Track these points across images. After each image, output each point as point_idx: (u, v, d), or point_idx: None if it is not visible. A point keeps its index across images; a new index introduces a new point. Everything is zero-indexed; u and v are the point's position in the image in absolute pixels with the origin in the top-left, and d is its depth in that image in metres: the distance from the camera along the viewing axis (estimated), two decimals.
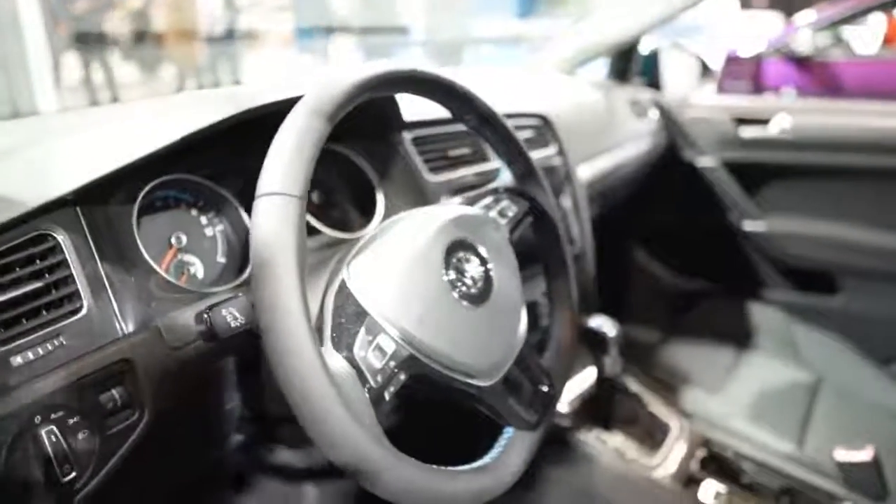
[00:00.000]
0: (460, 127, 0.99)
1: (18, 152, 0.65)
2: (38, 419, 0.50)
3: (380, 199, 0.89)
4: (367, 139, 0.91)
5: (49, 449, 0.50)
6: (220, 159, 0.74)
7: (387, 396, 0.53)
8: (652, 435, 1.16)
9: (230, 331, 0.57)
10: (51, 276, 0.56)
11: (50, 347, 0.54)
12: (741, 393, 1.38)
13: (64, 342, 0.55)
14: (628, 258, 1.83)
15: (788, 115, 1.57)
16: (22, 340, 0.53)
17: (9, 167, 0.63)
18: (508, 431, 0.64)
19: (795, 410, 1.33)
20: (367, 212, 0.90)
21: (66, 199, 0.59)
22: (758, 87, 4.25)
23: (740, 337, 1.59)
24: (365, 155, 0.91)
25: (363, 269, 0.59)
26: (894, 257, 1.52)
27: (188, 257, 0.72)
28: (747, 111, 1.65)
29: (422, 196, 0.92)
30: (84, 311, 0.57)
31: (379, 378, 0.52)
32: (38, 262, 0.56)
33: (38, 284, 0.55)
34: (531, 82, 1.50)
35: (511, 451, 0.63)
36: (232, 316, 0.57)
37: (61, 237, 0.58)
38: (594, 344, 1.06)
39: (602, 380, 1.10)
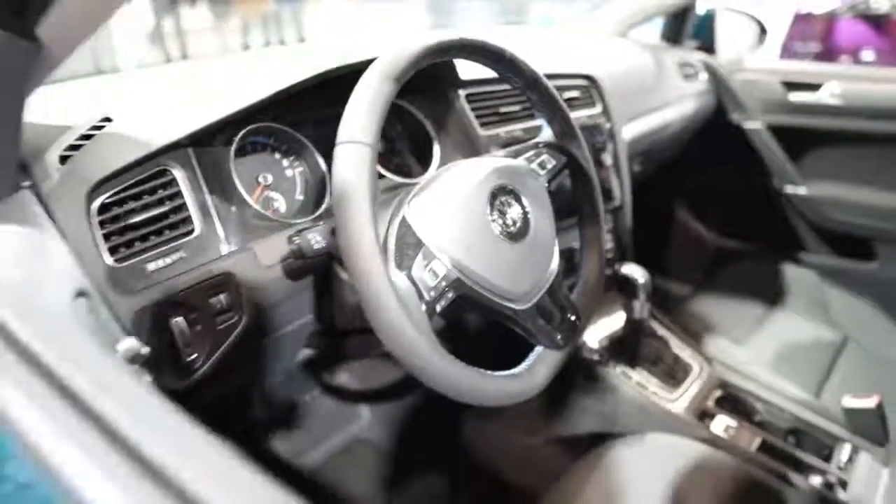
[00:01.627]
0: (510, 86, 1.10)
1: (138, 103, 0.79)
2: (169, 312, 0.65)
3: (436, 149, 1.01)
4: (427, 96, 1.02)
5: (177, 335, 0.65)
6: (301, 110, 0.87)
7: (438, 309, 0.65)
8: (673, 374, 1.26)
9: (314, 252, 0.70)
10: (170, 204, 0.70)
11: (173, 259, 0.68)
12: (765, 344, 1.47)
13: (183, 255, 0.69)
14: (669, 214, 1.90)
15: (840, 82, 1.61)
16: (152, 252, 0.67)
17: (134, 115, 0.76)
18: (538, 349, 0.76)
19: (817, 365, 1.41)
20: (425, 160, 1.01)
21: (181, 142, 0.72)
22: (829, 48, 4.12)
23: (771, 295, 1.67)
24: (425, 110, 1.02)
25: (420, 208, 0.71)
26: None
27: (273, 194, 0.85)
28: (799, 75, 1.68)
29: (474, 148, 1.03)
30: (196, 233, 0.71)
31: (432, 293, 0.65)
32: (159, 191, 0.70)
33: (161, 209, 0.69)
34: (582, 44, 1.57)
35: (539, 365, 0.75)
36: (315, 240, 0.70)
37: (177, 172, 0.71)
38: (625, 289, 1.17)
39: (630, 321, 1.20)
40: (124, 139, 0.70)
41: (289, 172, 0.88)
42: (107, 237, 0.65)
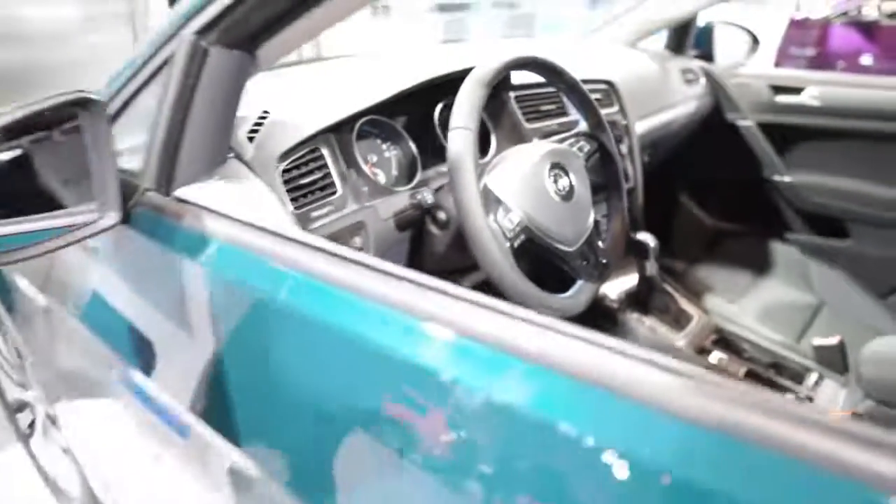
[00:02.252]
0: (547, 89, 1.39)
1: (287, 98, 1.07)
2: None
3: (493, 138, 1.29)
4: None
5: None
6: (398, 107, 1.16)
7: (515, 245, 0.94)
8: (678, 321, 1.55)
9: (428, 204, 0.99)
10: (320, 173, 0.99)
11: (326, 210, 0.97)
12: (755, 304, 1.75)
13: (331, 208, 0.98)
14: (673, 200, 2.19)
15: (818, 86, 1.89)
16: (314, 205, 0.96)
17: (286, 109, 1.05)
18: (579, 282, 1.05)
19: (797, 321, 1.70)
20: (483, 147, 1.30)
21: (325, 130, 1.01)
22: (823, 53, 4.39)
23: (760, 266, 1.95)
24: (485, 109, 1.31)
25: (497, 177, 0.99)
26: None
27: (376, 170, 1.14)
28: (784, 80, 1.97)
29: (521, 138, 1.32)
30: (338, 193, 1.00)
31: (510, 234, 0.93)
32: (312, 164, 0.99)
33: (316, 176, 0.98)
34: (602, 53, 1.86)
35: (580, 293, 1.03)
36: (426, 197, 1.00)
37: (324, 151, 1.00)
38: (638, 252, 1.45)
39: (643, 279, 1.49)
40: (287, 126, 0.99)
41: (386, 154, 1.16)
42: (287, 193, 0.94)
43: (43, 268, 1.02)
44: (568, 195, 1.03)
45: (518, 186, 0.98)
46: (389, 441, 0.51)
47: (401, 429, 0.50)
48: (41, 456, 1.69)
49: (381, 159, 1.14)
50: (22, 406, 1.69)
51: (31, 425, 1.67)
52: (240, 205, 0.78)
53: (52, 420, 1.44)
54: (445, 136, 1.21)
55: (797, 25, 4.20)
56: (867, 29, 4.27)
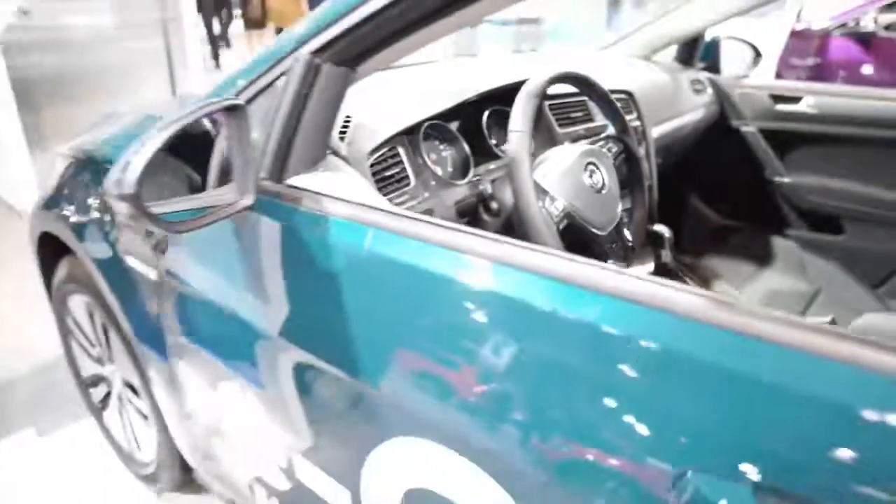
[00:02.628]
0: (575, 98, 1.58)
1: (363, 104, 1.27)
2: None
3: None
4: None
5: None
6: (454, 111, 1.35)
7: (560, 228, 1.13)
8: None
9: (487, 194, 1.19)
10: (397, 168, 1.19)
11: (403, 199, 1.16)
12: (756, 290, 1.95)
13: (407, 197, 1.17)
14: (682, 199, 2.38)
15: (814, 96, 2.09)
16: (393, 194, 1.15)
17: (365, 114, 1.23)
18: (610, 262, 1.24)
19: (795, 307, 1.89)
20: None
21: (402, 131, 1.20)
22: (823, 63, 4.59)
23: (764, 259, 2.14)
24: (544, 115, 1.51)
25: (543, 173, 1.19)
26: (887, 206, 2.03)
27: (434, 166, 1.33)
28: (783, 90, 2.16)
29: (554, 141, 1.51)
30: (412, 184, 1.19)
31: (556, 219, 1.13)
32: (390, 160, 1.18)
33: (395, 171, 1.18)
34: (621, 66, 2.06)
35: None
36: (487, 188, 1.19)
37: (400, 150, 1.20)
38: (655, 242, 1.64)
39: (658, 265, 1.68)
40: (372, 129, 1.18)
41: (443, 153, 1.36)
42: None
43: (156, 241, 1.20)
44: (601, 188, 1.23)
45: (560, 180, 1.18)
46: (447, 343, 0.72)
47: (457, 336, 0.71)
48: (114, 427, 1.87)
49: (439, 157, 1.34)
50: (96, 381, 1.87)
51: (105, 399, 1.86)
52: (344, 190, 0.98)
53: (135, 390, 1.62)
54: (492, 138, 1.42)
55: (798, 36, 4.39)
56: (865, 40, 4.46)
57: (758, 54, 2.48)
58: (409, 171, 1.20)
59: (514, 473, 0.71)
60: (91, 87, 3.77)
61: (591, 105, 1.67)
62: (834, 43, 4.42)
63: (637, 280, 0.64)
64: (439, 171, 1.32)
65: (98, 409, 1.91)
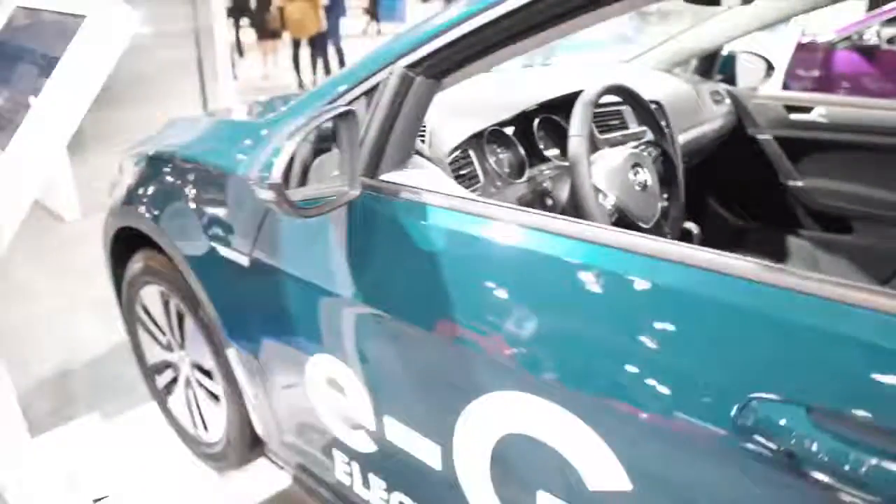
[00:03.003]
0: (613, 108, 1.74)
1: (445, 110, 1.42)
2: None
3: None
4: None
5: None
6: (512, 119, 1.51)
7: (612, 221, 1.29)
8: None
9: (548, 189, 1.35)
10: (468, 168, 1.34)
11: (476, 193, 1.31)
12: None
13: (480, 193, 1.32)
14: (704, 201, 2.54)
15: (825, 106, 2.25)
16: (468, 190, 1.31)
17: (438, 120, 1.39)
18: None
19: None
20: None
21: (469, 137, 1.36)
22: (827, 75, 4.76)
23: (778, 258, 2.29)
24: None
25: (595, 172, 1.34)
26: (892, 207, 2.18)
27: (496, 167, 1.48)
28: (796, 101, 2.32)
29: (595, 146, 1.67)
30: (481, 182, 1.35)
31: (609, 213, 1.28)
32: (462, 161, 1.34)
33: (467, 170, 1.33)
34: (650, 78, 2.22)
35: None
36: (547, 185, 1.35)
37: (471, 152, 1.36)
38: (684, 237, 1.80)
39: None
40: (448, 133, 1.34)
41: (501, 156, 1.51)
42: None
43: (247, 231, 1.35)
44: (644, 187, 1.38)
45: (611, 178, 1.33)
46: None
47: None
48: (178, 411, 2.01)
49: (498, 159, 1.49)
50: (162, 367, 2.01)
51: (171, 384, 2.00)
52: (433, 184, 1.13)
53: (208, 374, 1.76)
54: (540, 143, 1.58)
55: (803, 49, 4.56)
56: (868, 53, 4.63)
57: (770, 67, 2.64)
58: (479, 171, 1.36)
59: (608, 417, 0.86)
60: (125, 95, 3.93)
61: (625, 114, 1.83)
62: (838, 55, 4.59)
63: (714, 254, 0.80)
64: (501, 171, 1.47)
65: (162, 395, 2.06)
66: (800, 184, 2.33)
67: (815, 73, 4.61)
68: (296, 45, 7.65)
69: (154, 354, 2.02)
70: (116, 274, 2.02)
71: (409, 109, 1.14)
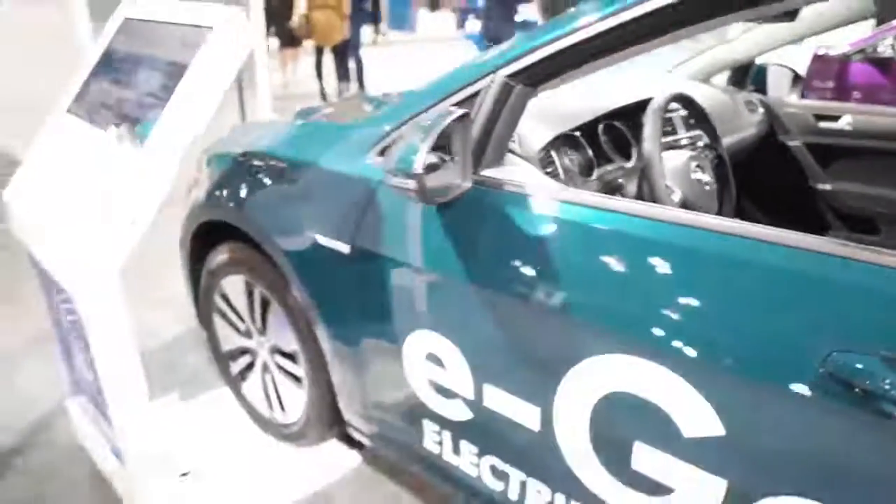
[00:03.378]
0: (666, 115, 1.90)
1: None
2: None
3: (634, 149, 1.80)
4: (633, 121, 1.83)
5: None
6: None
7: (678, 201, 1.44)
8: None
9: (621, 185, 1.50)
10: (551, 167, 1.50)
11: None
12: None
13: (562, 182, 1.48)
14: (738, 203, 2.69)
15: (851, 115, 2.41)
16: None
17: (525, 126, 1.54)
18: None
19: None
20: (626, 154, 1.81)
21: (555, 137, 1.52)
22: (842, 87, 4.89)
23: None
24: (633, 129, 1.83)
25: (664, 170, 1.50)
26: None
27: (571, 166, 1.64)
28: (824, 110, 2.48)
29: None
30: (562, 178, 1.50)
31: (676, 205, 1.44)
32: (547, 159, 1.50)
33: (550, 168, 1.49)
34: (690, 87, 2.37)
35: None
36: (621, 181, 1.51)
37: (552, 152, 1.51)
38: None
39: None
40: (536, 135, 1.50)
41: (571, 157, 1.67)
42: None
43: (347, 221, 1.50)
44: (703, 184, 1.54)
45: (676, 177, 1.49)
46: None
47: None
48: (252, 394, 2.16)
49: (570, 160, 1.65)
50: (238, 353, 2.16)
51: (247, 369, 2.15)
52: (530, 178, 1.29)
53: (291, 357, 1.90)
54: (605, 145, 1.74)
55: (819, 61, 4.71)
56: (882, 65, 4.78)
57: (798, 78, 2.81)
58: (559, 169, 1.51)
59: (705, 373, 1.01)
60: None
61: (675, 120, 1.99)
62: (853, 67, 4.74)
63: (794, 234, 0.96)
64: (575, 170, 1.63)
65: (236, 379, 2.20)
66: (828, 187, 2.48)
67: (831, 83, 4.76)
68: (318, 52, 7.79)
69: (230, 341, 2.16)
70: (192, 268, 2.17)
71: (508, 114, 1.29)
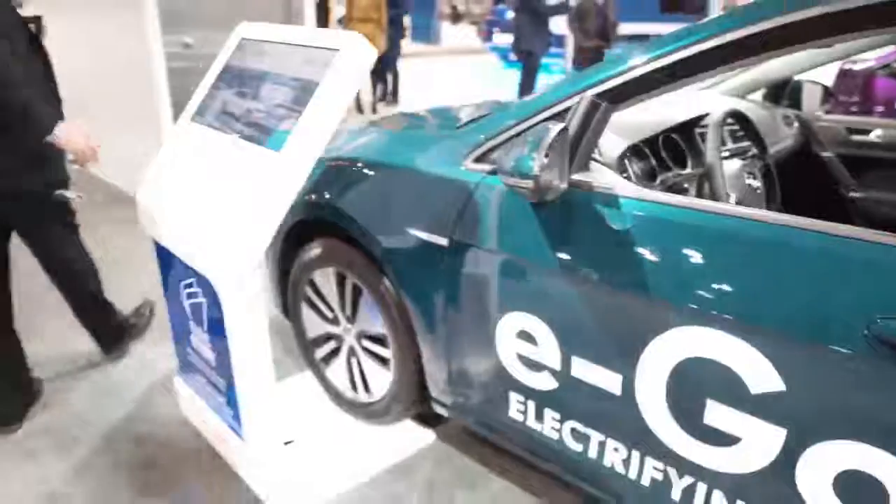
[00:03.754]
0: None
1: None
2: None
3: (689, 158, 2.04)
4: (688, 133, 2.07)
5: None
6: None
7: (733, 203, 1.67)
8: None
9: (685, 189, 1.74)
10: (625, 173, 1.73)
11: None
12: None
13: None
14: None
15: (882, 129, 2.63)
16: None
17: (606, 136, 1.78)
18: None
19: None
20: (682, 163, 2.04)
21: (629, 146, 1.76)
22: (867, 100, 5.08)
23: None
24: (686, 141, 2.06)
25: None
26: None
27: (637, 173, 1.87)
28: (856, 124, 2.70)
29: (701, 159, 2.06)
30: (634, 182, 1.74)
31: (730, 198, 1.67)
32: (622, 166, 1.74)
33: (623, 174, 1.72)
34: (735, 104, 2.60)
35: None
36: (686, 186, 1.74)
37: (625, 160, 1.75)
38: None
39: None
40: (612, 145, 1.73)
41: (638, 164, 1.90)
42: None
43: (446, 218, 1.74)
44: (754, 189, 1.77)
45: (732, 183, 1.72)
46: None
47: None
48: (335, 376, 2.39)
49: (637, 166, 1.88)
50: (323, 340, 2.40)
51: (332, 354, 2.39)
52: (612, 181, 1.52)
53: (379, 341, 2.14)
54: (665, 154, 1.97)
55: (845, 76, 4.92)
56: None
57: (829, 94, 3.02)
58: (632, 175, 1.75)
59: (768, 338, 1.23)
60: None
61: (724, 133, 2.22)
62: (878, 82, 4.95)
63: (840, 226, 1.19)
64: (642, 176, 1.86)
65: (321, 363, 2.44)
66: (860, 195, 2.69)
67: (856, 97, 4.97)
68: None
69: (317, 329, 2.40)
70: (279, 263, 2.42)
71: (594, 127, 1.53)
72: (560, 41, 8.68)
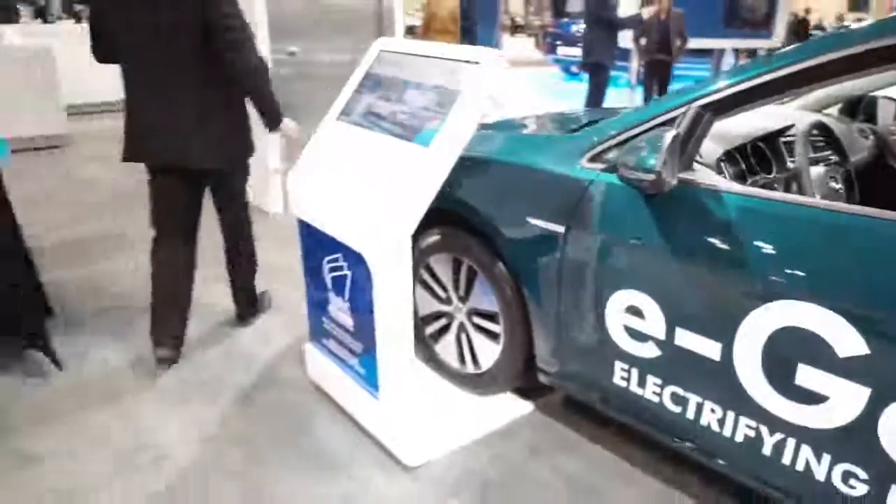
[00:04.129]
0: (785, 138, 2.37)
1: None
2: None
3: (774, 164, 2.28)
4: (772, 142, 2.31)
5: None
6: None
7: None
8: None
9: (775, 189, 1.99)
10: (722, 174, 1.99)
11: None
12: None
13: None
14: None
15: None
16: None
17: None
18: None
19: None
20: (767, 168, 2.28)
21: (724, 151, 2.02)
22: None
23: None
24: (771, 149, 2.31)
25: None
26: None
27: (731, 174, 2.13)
28: None
29: (785, 165, 2.30)
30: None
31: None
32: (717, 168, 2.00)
33: (721, 175, 1.99)
34: (815, 117, 2.83)
35: None
36: (776, 187, 2.00)
37: (721, 162, 2.01)
38: None
39: None
40: (710, 150, 1.99)
41: (731, 168, 2.16)
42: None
43: (563, 209, 2.03)
44: (837, 191, 2.01)
45: (818, 185, 1.97)
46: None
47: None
48: (443, 351, 2.69)
49: (731, 169, 2.14)
50: (432, 318, 2.69)
51: (441, 331, 2.68)
52: (714, 180, 1.79)
53: (491, 318, 2.43)
54: (753, 159, 2.22)
55: None
56: None
57: None
58: (728, 175, 2.00)
59: (854, 308, 1.47)
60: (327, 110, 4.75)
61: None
62: None
63: None
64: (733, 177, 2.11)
65: (429, 339, 2.74)
66: None
67: None
68: None
69: (428, 307, 2.70)
70: None
71: (698, 134, 1.79)
72: (625, 55, 8.87)
